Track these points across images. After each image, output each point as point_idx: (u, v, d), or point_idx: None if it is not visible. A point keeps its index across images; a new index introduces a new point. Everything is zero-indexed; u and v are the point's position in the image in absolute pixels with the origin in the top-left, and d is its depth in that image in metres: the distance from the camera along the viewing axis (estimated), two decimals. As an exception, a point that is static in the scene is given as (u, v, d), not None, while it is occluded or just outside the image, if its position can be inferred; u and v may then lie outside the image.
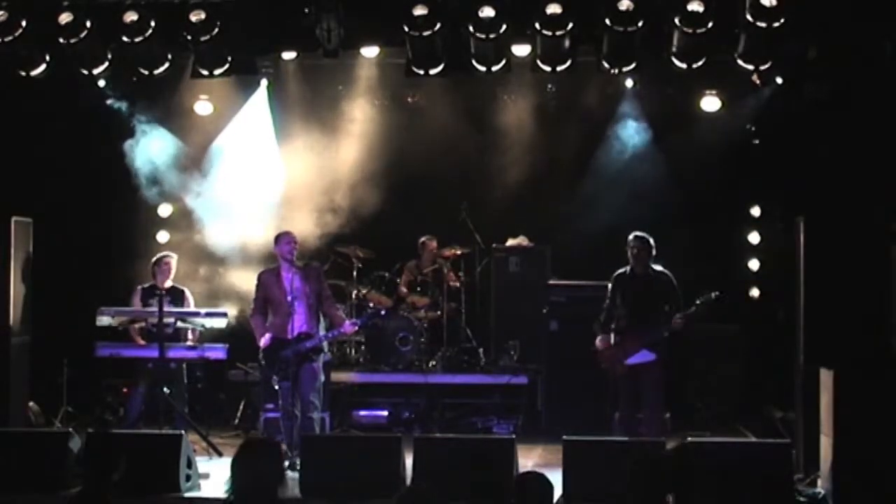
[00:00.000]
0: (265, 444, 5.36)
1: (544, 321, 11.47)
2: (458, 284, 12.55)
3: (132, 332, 10.93)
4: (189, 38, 9.35)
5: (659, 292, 9.59)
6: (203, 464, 9.32)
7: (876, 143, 9.62)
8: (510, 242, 12.63)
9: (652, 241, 9.63)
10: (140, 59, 9.69)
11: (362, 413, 11.52)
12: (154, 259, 11.24)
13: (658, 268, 9.68)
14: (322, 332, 9.85)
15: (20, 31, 9.27)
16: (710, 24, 8.89)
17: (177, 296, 11.02)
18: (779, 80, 10.51)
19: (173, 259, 11.14)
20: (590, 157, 12.37)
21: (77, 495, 5.48)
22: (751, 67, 9.27)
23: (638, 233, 9.68)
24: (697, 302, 9.51)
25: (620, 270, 9.77)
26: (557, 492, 8.38)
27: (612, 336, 9.66)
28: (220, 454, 10.05)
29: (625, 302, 9.65)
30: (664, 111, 12.08)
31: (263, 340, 9.76)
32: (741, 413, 11.27)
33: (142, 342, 10.79)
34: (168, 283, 11.04)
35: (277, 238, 9.89)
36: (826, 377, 8.77)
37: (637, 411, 9.58)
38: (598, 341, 9.74)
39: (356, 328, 10.58)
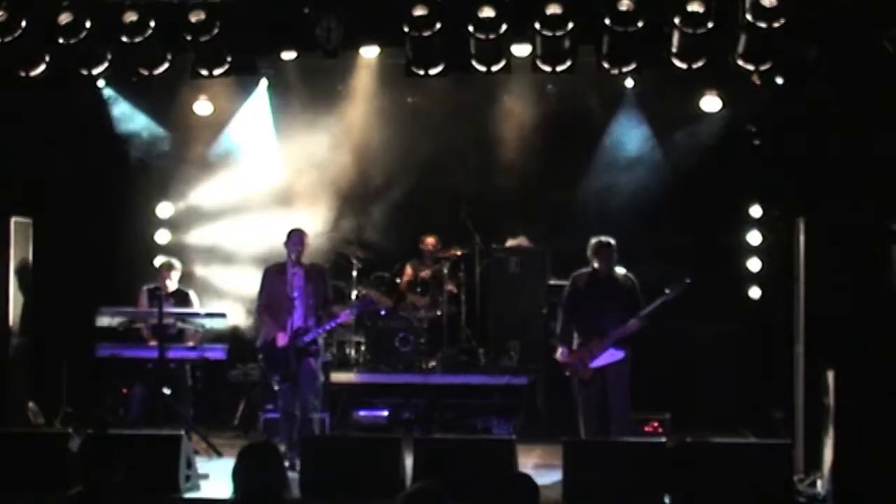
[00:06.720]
0: (266, 446, 5.35)
1: (544, 321, 11.47)
2: (455, 290, 12.54)
3: (143, 331, 10.95)
4: (189, 38, 9.34)
5: (621, 295, 9.48)
6: (203, 464, 9.33)
7: (876, 143, 9.63)
8: (510, 242, 12.62)
9: (614, 243, 9.54)
10: (140, 59, 9.68)
11: (362, 413, 11.51)
12: (159, 264, 11.29)
13: (621, 271, 9.62)
14: (318, 327, 9.85)
15: (20, 31, 9.26)
16: (710, 24, 8.88)
17: (181, 298, 11.07)
18: (779, 80, 10.50)
19: (173, 270, 11.15)
20: (590, 158, 12.36)
21: (76, 496, 5.47)
22: (751, 67, 9.25)
23: (602, 237, 9.58)
24: (666, 291, 9.40)
25: (580, 271, 9.68)
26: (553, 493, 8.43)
27: (574, 342, 9.55)
28: (219, 454, 10.06)
29: (588, 303, 9.52)
30: (664, 111, 12.06)
31: (280, 337, 9.73)
32: (741, 413, 11.27)
33: (153, 343, 10.73)
34: (173, 287, 11.09)
35: (287, 235, 9.92)
36: (826, 377, 8.77)
37: (603, 429, 9.36)
38: (559, 354, 9.62)
39: (352, 317, 10.56)
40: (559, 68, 9.51)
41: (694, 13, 8.85)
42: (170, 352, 10.45)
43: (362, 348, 12.36)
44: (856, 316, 9.02)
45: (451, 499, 4.77)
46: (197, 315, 10.81)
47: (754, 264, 12.34)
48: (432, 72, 9.67)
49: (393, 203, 12.33)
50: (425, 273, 12.58)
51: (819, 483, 8.84)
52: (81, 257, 11.93)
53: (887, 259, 9.23)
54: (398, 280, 12.68)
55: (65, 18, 9.23)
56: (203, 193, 12.61)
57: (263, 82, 12.24)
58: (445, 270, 12.43)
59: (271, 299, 9.89)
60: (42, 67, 9.60)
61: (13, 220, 10.67)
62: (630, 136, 12.25)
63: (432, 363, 12.05)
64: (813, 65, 9.42)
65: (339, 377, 11.71)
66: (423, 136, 12.18)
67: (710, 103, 11.76)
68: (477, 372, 12.13)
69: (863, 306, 9.08)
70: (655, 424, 10.79)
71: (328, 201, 12.08)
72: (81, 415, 11.15)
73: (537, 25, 9.05)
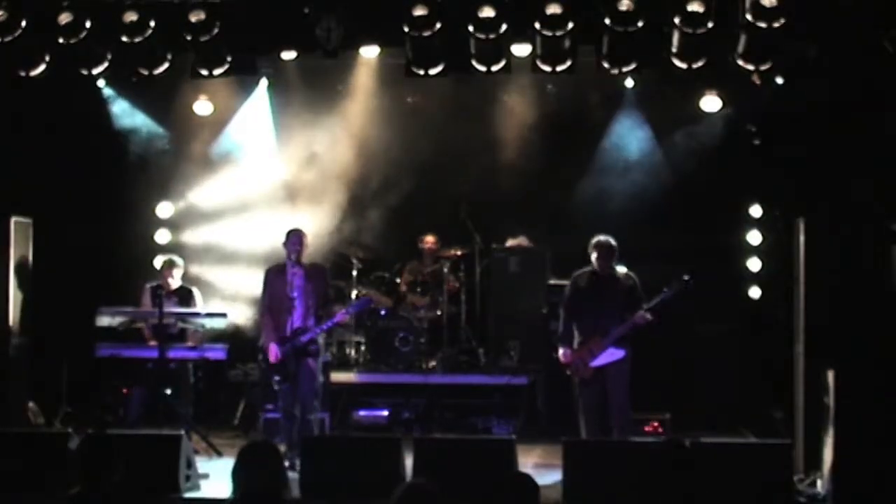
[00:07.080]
0: (266, 446, 5.35)
1: (544, 321, 11.48)
2: (457, 285, 12.55)
3: (144, 331, 10.94)
4: (189, 38, 9.34)
5: (622, 294, 9.53)
6: (203, 464, 9.33)
7: (876, 142, 9.63)
8: (510, 242, 12.61)
9: (615, 243, 9.59)
10: (140, 59, 9.69)
11: (362, 413, 11.50)
12: (160, 263, 11.28)
13: (622, 270, 9.67)
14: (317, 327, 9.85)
15: (20, 31, 9.26)
16: (710, 24, 8.88)
17: (185, 296, 11.06)
18: (779, 80, 10.51)
19: (175, 268, 11.15)
20: (590, 158, 12.36)
21: (75, 496, 5.46)
22: (751, 67, 9.26)
23: (602, 237, 9.63)
24: (665, 290, 9.45)
25: (581, 271, 9.75)
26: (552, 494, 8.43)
27: (576, 342, 9.59)
28: (219, 454, 10.06)
29: (589, 303, 9.57)
30: (664, 111, 12.06)
31: (272, 349, 9.73)
32: (741, 413, 11.27)
33: (153, 343, 10.69)
34: (175, 285, 11.08)
35: (286, 235, 9.92)
36: (826, 377, 8.77)
37: (603, 429, 9.41)
38: (561, 354, 9.66)
39: (348, 316, 10.54)
40: (559, 68, 9.51)
41: (694, 13, 8.85)
42: (170, 351, 10.44)
43: (362, 348, 12.36)
44: (856, 316, 9.02)
45: (444, 497, 4.77)
46: (197, 315, 10.81)
47: (754, 264, 12.34)
48: (432, 72, 9.67)
49: (393, 203, 12.32)
50: (425, 273, 12.57)
51: (819, 483, 8.84)
52: (81, 257, 11.92)
53: (887, 259, 9.23)
54: (398, 280, 12.68)
55: (65, 18, 9.23)
56: (203, 193, 12.61)
57: (263, 82, 12.25)
58: (445, 270, 12.42)
59: (272, 300, 9.89)
60: (42, 67, 9.60)
61: (13, 220, 10.67)
62: (630, 136, 12.25)
63: (432, 363, 12.05)
64: (812, 64, 9.43)
65: (339, 377, 11.71)
66: (423, 136, 12.17)
67: (710, 103, 11.76)
68: (477, 372, 12.12)
69: (863, 306, 9.08)
70: (655, 424, 10.79)
71: (328, 201, 12.07)
72: (81, 415, 11.16)
73: (537, 25, 9.05)
